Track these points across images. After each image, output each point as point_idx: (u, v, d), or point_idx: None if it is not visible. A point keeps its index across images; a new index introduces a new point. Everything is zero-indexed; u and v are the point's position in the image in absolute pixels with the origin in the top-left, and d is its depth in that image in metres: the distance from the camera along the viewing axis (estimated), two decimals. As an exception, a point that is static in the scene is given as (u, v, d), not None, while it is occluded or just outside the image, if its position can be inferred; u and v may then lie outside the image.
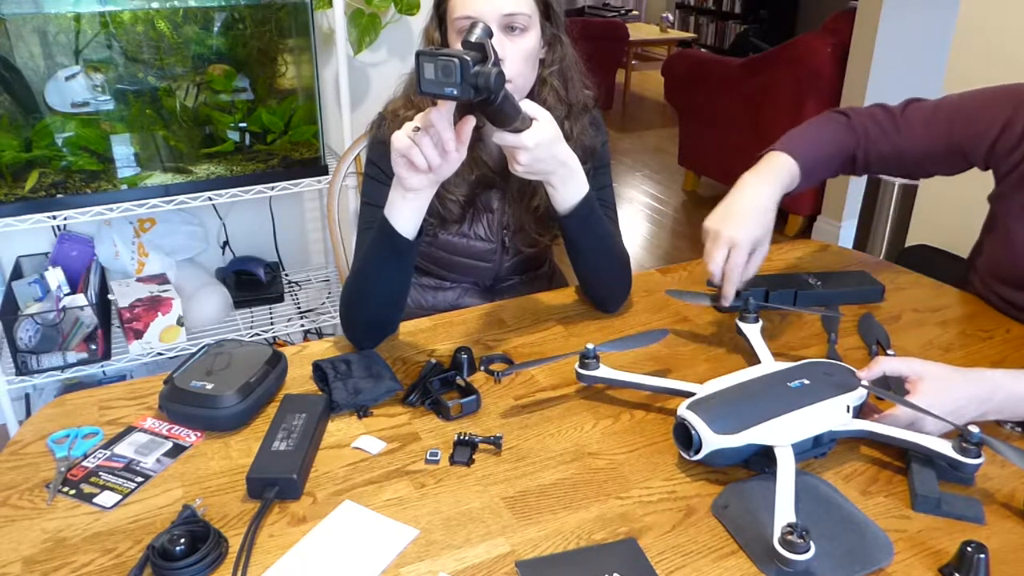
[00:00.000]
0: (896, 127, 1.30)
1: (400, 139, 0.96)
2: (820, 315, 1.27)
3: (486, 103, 0.92)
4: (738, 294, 1.15)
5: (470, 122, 0.96)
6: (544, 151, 1.05)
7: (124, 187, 1.92)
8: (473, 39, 0.89)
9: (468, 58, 0.86)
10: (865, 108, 1.34)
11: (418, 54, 0.87)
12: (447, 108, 0.93)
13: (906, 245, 2.41)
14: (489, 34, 0.90)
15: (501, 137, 1.02)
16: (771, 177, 1.20)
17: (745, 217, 1.14)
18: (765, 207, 1.16)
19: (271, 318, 2.26)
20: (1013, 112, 1.20)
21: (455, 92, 0.87)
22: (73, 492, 0.88)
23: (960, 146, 1.26)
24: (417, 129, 0.95)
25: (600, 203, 1.24)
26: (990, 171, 1.28)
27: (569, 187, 1.14)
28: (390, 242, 1.06)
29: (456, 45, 1.13)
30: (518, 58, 1.13)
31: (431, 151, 0.95)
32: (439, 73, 0.87)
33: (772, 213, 1.16)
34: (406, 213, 1.04)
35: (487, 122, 1.00)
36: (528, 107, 1.03)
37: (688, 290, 1.28)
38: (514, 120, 0.99)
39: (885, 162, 1.32)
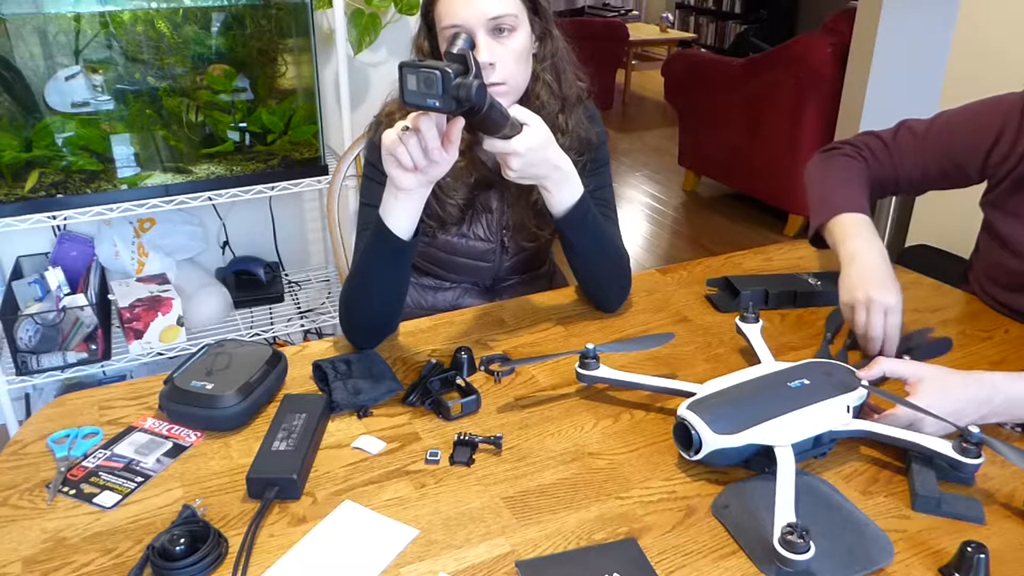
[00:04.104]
0: (889, 154, 1.33)
1: (388, 136, 0.96)
2: (830, 312, 1.26)
3: (471, 113, 0.92)
4: (766, 294, 1.21)
5: (459, 123, 0.96)
6: (536, 155, 1.04)
7: (124, 187, 1.92)
8: (455, 51, 0.89)
9: (450, 71, 0.86)
10: (857, 138, 1.37)
11: (401, 65, 0.88)
12: (436, 115, 0.93)
13: (906, 245, 2.41)
14: (471, 45, 0.90)
15: (491, 144, 1.02)
16: (871, 237, 1.20)
17: (888, 280, 1.13)
18: (891, 268, 1.16)
19: (271, 318, 2.26)
20: (1004, 121, 1.24)
21: (437, 104, 0.88)
22: (73, 492, 0.88)
23: (957, 161, 1.29)
24: (406, 128, 0.95)
25: (599, 203, 1.24)
26: (984, 181, 1.31)
27: (564, 190, 1.13)
28: (385, 243, 1.06)
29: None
30: (510, 59, 1.12)
31: (416, 151, 0.95)
32: (421, 84, 0.87)
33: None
34: (400, 214, 1.04)
35: (477, 130, 1.00)
36: (518, 112, 1.03)
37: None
38: (503, 127, 0.99)
39: (884, 186, 1.36)
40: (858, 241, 1.20)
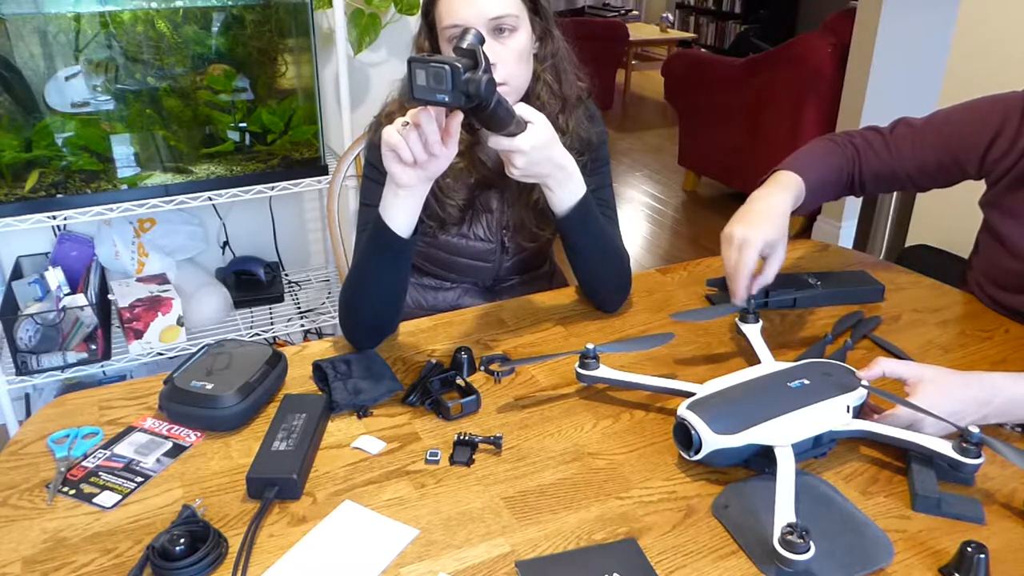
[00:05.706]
0: (886, 145, 1.33)
1: (389, 133, 0.97)
2: (840, 315, 1.27)
3: (478, 109, 0.92)
4: (766, 293, 1.21)
5: (457, 117, 0.96)
6: (539, 154, 1.05)
7: (124, 187, 1.92)
8: (465, 45, 0.89)
9: (459, 65, 0.86)
10: (856, 131, 1.39)
11: (410, 60, 0.88)
12: (435, 110, 0.93)
13: (906, 245, 2.41)
14: (481, 40, 0.90)
15: (496, 141, 1.02)
16: (781, 188, 1.23)
17: (757, 218, 1.16)
18: (778, 211, 1.18)
19: (271, 318, 2.26)
20: (1003, 120, 1.24)
21: (446, 99, 0.88)
22: (73, 492, 0.88)
23: (955, 156, 1.28)
24: (406, 124, 0.95)
25: (599, 203, 1.24)
26: (982, 179, 1.30)
27: (566, 189, 1.14)
28: (385, 241, 1.06)
29: (447, 53, 1.14)
30: (511, 59, 1.13)
31: (417, 146, 0.96)
32: (431, 80, 0.87)
33: (786, 219, 1.18)
34: (399, 211, 1.04)
35: (482, 127, 1.00)
36: (522, 110, 1.03)
37: (694, 309, 1.27)
38: (508, 124, 0.99)
39: (879, 180, 1.35)
40: (767, 189, 1.24)
